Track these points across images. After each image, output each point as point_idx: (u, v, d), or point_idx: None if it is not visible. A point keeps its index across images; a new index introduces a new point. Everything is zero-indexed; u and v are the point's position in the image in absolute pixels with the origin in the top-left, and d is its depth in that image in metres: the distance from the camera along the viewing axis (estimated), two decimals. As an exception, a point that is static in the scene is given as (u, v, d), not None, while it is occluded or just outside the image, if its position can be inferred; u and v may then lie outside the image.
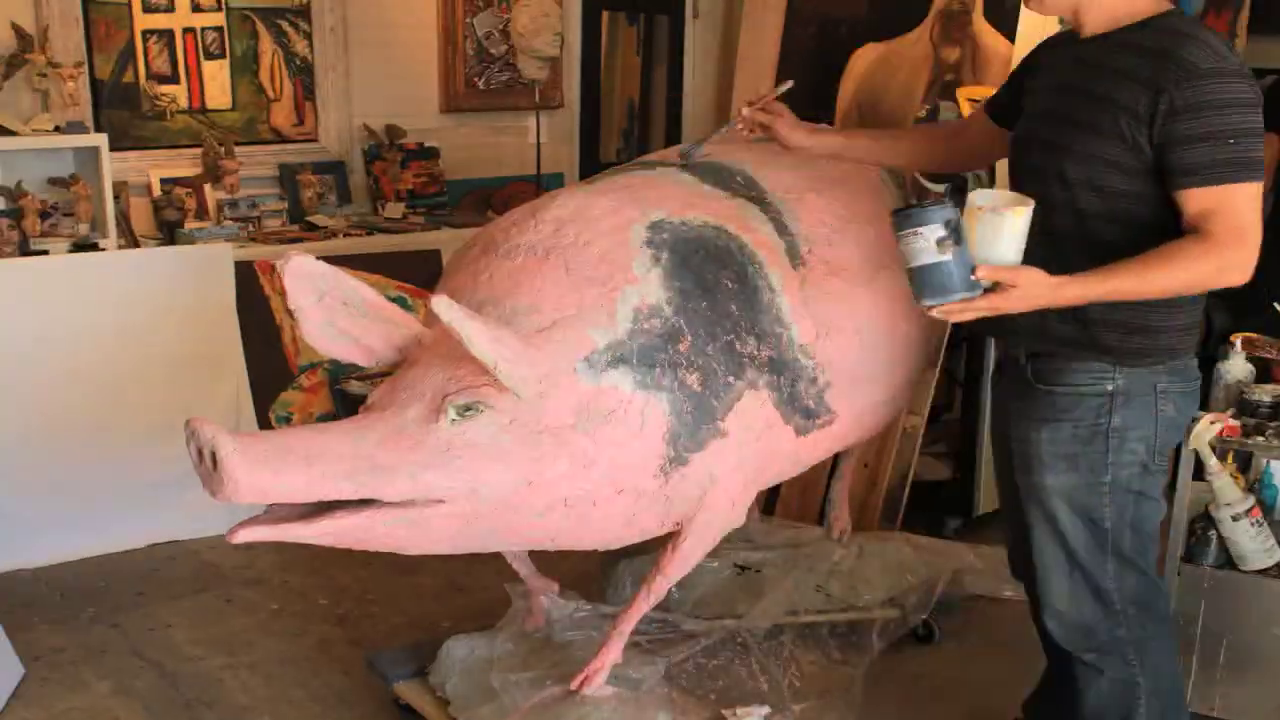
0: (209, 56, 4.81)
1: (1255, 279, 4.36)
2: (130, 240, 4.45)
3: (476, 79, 5.52)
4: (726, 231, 2.60)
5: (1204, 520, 2.93)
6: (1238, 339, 3.10)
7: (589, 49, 5.88)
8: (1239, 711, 2.96)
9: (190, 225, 4.56)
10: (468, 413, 2.23)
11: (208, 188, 4.70)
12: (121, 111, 4.62)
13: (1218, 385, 3.04)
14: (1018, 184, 2.38)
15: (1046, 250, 2.24)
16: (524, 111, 5.55)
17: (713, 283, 2.51)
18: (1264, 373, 3.06)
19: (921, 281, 2.17)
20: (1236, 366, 3.03)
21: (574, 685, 2.69)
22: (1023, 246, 2.18)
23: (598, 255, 2.46)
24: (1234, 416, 2.86)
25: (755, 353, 2.54)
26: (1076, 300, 2.22)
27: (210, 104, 4.84)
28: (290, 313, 2.34)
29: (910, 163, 3.07)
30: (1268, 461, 2.98)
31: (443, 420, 2.23)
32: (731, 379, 2.49)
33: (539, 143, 5.49)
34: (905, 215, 2.17)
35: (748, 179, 2.83)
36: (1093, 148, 2.25)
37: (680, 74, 6.16)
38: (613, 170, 2.98)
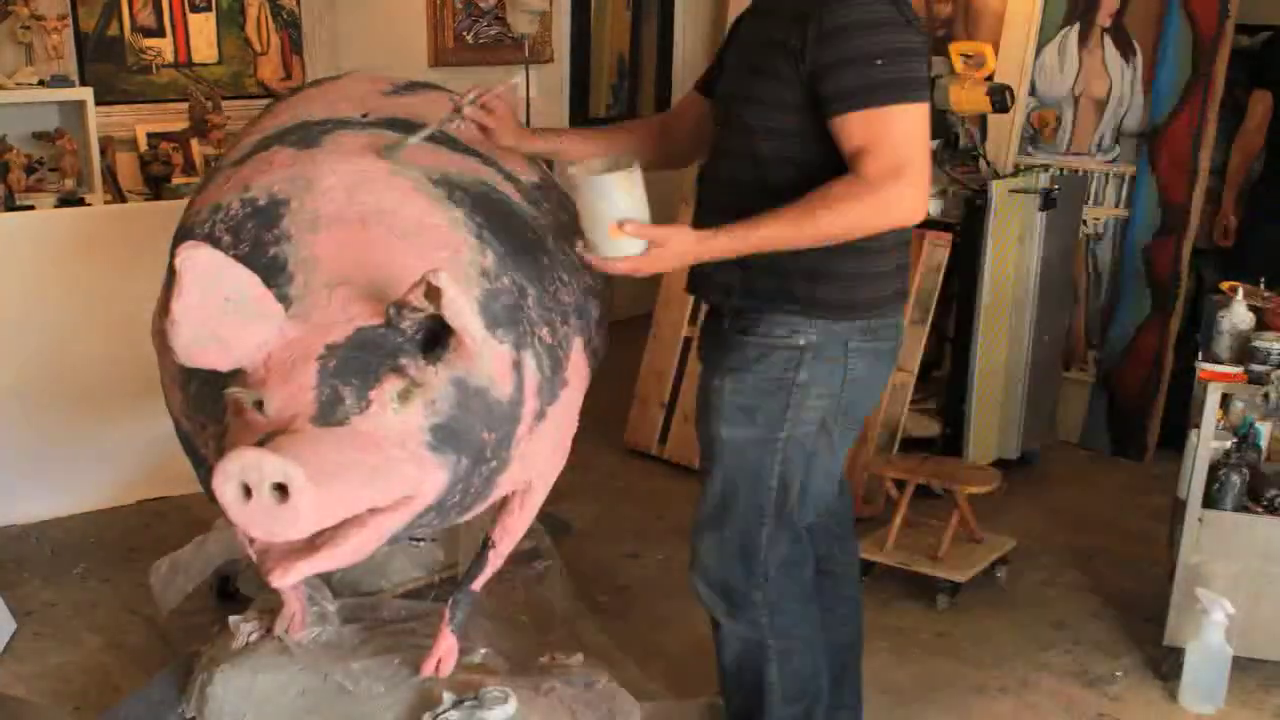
0: (195, 9, 4.75)
1: (1245, 235, 4.37)
2: (117, 195, 4.42)
3: (465, 33, 5.48)
4: (492, 184, 2.54)
5: (1225, 466, 2.98)
6: (1238, 287, 3.13)
7: (578, 3, 5.83)
8: (1257, 650, 3.04)
9: (177, 180, 4.52)
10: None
11: (195, 142, 4.66)
12: (106, 65, 4.57)
13: (1219, 334, 3.07)
14: (718, 141, 2.38)
15: (730, 199, 2.24)
16: (513, 66, 5.51)
17: (520, 236, 2.45)
18: (1257, 323, 3.09)
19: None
20: (1238, 314, 3.06)
21: (426, 670, 2.60)
22: (643, 207, 2.14)
23: (416, 219, 2.31)
24: (1239, 364, 2.91)
25: (569, 300, 2.50)
26: (727, 253, 2.18)
27: (196, 58, 4.79)
28: (170, 313, 1.95)
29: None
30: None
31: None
32: (566, 329, 2.45)
33: (528, 97, 5.46)
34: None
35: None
36: (760, 90, 2.22)
37: (670, 27, 6.13)
38: (298, 130, 2.62)
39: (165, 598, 3.18)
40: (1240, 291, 3.11)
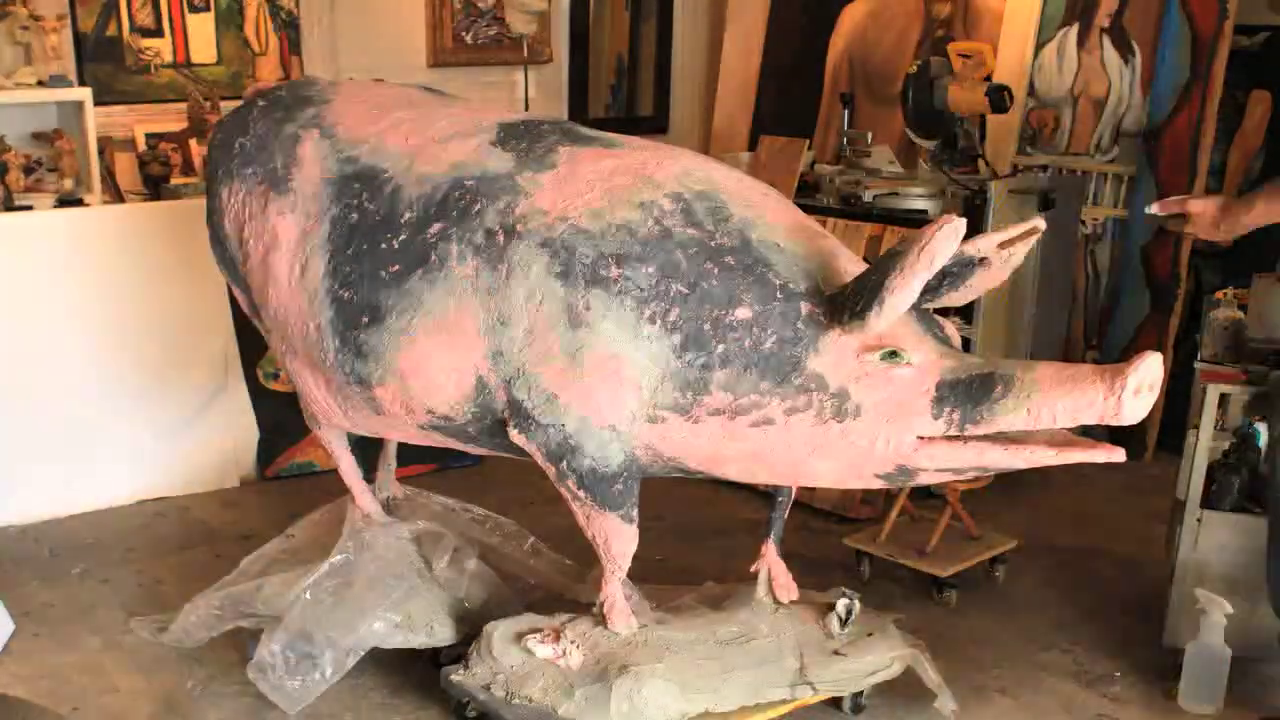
0: (193, 10, 4.75)
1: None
2: (115, 196, 4.42)
3: (464, 33, 5.47)
4: None
5: (1223, 466, 3.00)
6: (1229, 292, 3.16)
7: (577, 3, 5.83)
8: (1257, 649, 3.03)
9: (176, 180, 4.52)
10: None
11: (193, 143, 4.66)
12: (105, 65, 4.57)
13: (1213, 332, 3.08)
14: None
15: None
16: (512, 66, 5.51)
17: None
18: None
19: None
20: (1229, 315, 3.08)
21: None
22: None
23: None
24: (1235, 362, 2.92)
25: None
26: None
27: (195, 58, 4.79)
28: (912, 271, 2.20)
29: None
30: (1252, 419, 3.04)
31: None
32: None
33: (527, 97, 5.46)
34: None
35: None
36: None
37: (669, 28, 6.12)
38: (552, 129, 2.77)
39: (194, 634, 3.11)
40: (1230, 293, 3.15)
